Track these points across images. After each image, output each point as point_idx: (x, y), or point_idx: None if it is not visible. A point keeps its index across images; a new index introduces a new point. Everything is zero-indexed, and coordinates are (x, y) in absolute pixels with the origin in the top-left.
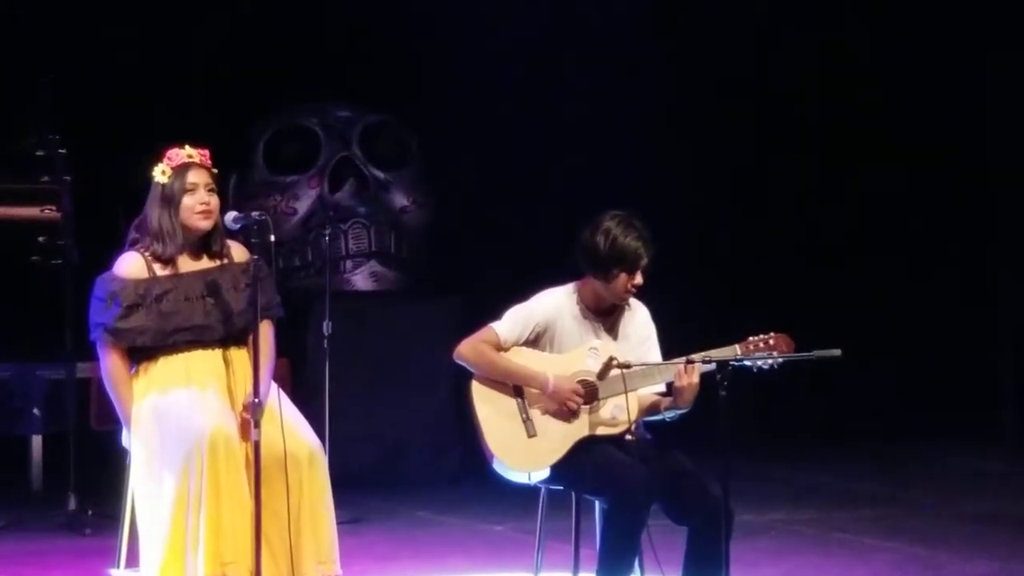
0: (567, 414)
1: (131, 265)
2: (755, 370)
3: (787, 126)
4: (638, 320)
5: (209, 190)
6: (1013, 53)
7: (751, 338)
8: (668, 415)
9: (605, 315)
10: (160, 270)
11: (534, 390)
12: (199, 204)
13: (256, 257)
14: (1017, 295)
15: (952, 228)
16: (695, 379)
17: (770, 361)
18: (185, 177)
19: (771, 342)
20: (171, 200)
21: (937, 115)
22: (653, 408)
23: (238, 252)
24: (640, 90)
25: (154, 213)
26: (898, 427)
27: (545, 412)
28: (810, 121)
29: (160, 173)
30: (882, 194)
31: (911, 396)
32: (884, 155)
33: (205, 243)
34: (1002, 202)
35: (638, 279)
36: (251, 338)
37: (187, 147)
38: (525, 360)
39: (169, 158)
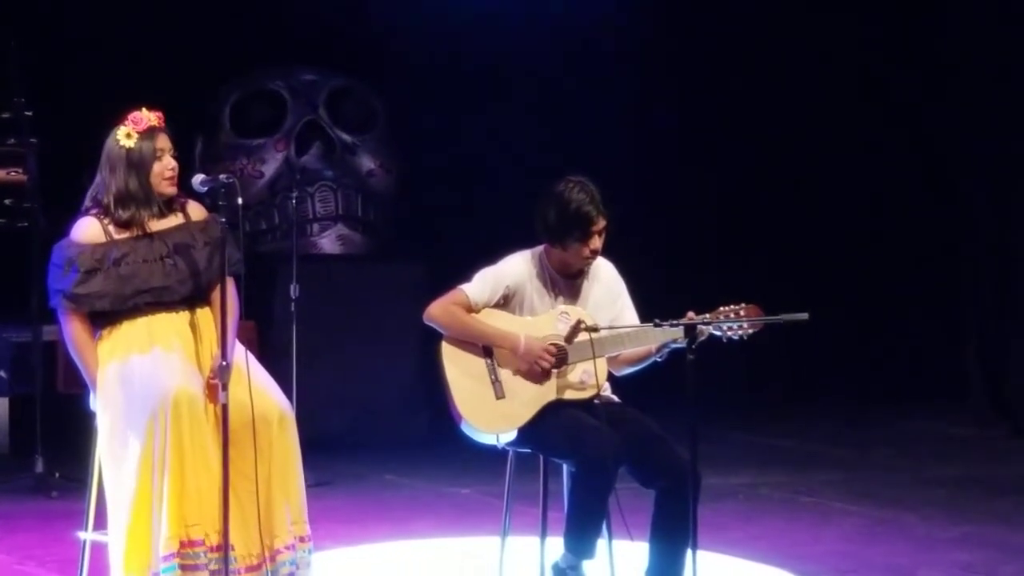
0: (538, 375)
1: (88, 230)
2: (725, 340)
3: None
4: (605, 278)
5: (173, 155)
6: None
7: (722, 308)
8: (659, 356)
9: (573, 278)
10: (117, 234)
11: (505, 350)
12: (167, 170)
13: (223, 219)
14: (979, 258)
15: (917, 196)
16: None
17: (740, 332)
18: (154, 142)
19: (741, 312)
20: (141, 165)
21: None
22: (646, 355)
23: (195, 211)
24: (610, 54)
25: (120, 177)
26: (865, 391)
27: (516, 373)
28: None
29: (125, 136)
30: (850, 162)
31: (878, 361)
32: (848, 121)
33: (163, 204)
34: (967, 172)
35: (594, 244)
36: (214, 297)
37: (144, 110)
38: (496, 321)
39: (134, 122)
